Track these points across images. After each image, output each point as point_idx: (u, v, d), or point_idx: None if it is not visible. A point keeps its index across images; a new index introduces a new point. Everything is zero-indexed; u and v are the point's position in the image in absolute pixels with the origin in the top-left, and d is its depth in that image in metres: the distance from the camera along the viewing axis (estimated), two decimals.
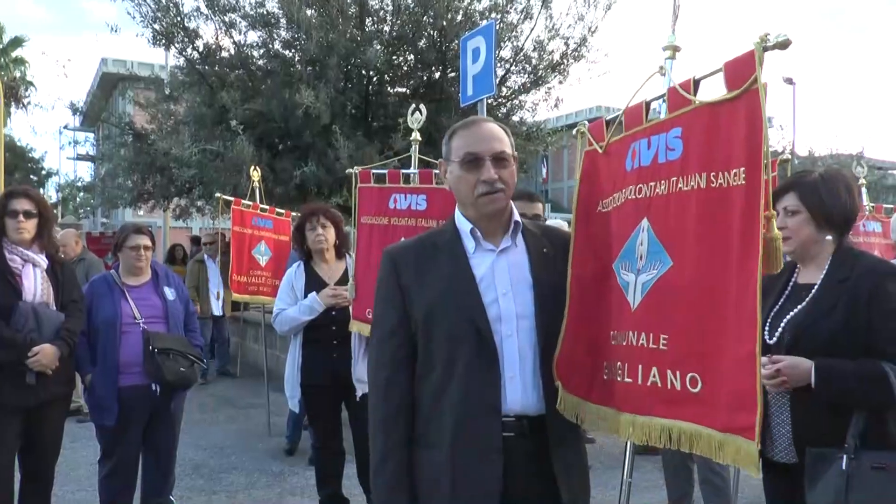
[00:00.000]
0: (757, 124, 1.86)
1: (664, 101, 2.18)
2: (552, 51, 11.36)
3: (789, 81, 31.86)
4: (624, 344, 2.22)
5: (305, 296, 4.94)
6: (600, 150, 2.42)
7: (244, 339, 12.66)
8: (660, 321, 2.12)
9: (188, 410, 5.37)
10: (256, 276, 7.49)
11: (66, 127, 23.78)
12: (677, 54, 2.23)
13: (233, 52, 11.53)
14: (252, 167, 7.82)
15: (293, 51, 11.26)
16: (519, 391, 2.24)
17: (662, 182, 2.14)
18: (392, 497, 2.28)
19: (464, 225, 2.38)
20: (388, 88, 11.71)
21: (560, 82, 11.58)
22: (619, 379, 2.24)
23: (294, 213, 8.02)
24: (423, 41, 11.09)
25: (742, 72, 1.89)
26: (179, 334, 4.84)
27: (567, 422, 2.30)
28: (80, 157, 35.43)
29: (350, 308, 4.77)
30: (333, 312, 4.89)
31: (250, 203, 7.51)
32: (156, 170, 12.26)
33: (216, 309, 10.91)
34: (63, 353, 4.28)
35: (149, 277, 4.88)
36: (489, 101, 10.27)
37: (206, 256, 10.91)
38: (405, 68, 11.59)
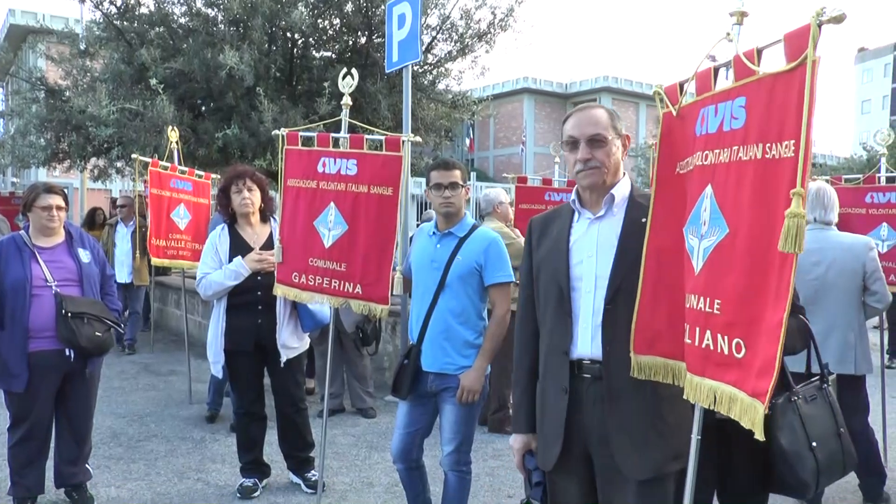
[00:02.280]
0: (807, 98, 1.88)
1: (730, 68, 2.20)
2: (479, 20, 11.28)
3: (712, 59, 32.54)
4: (688, 306, 2.31)
5: (230, 260, 4.82)
6: (674, 113, 2.44)
7: (165, 304, 12.36)
8: (715, 286, 2.19)
9: (107, 377, 5.21)
10: (175, 239, 7.29)
11: None
12: (745, 20, 2.22)
13: (153, 8, 11.08)
14: (170, 127, 7.55)
15: (216, 10, 10.88)
16: (590, 340, 2.58)
17: (725, 150, 2.18)
18: (515, 418, 2.88)
19: (573, 196, 2.74)
20: (314, 52, 11.46)
21: (486, 51, 11.51)
22: (686, 341, 2.32)
23: (214, 176, 7.82)
24: (349, 5, 10.87)
25: (799, 44, 1.92)
26: (95, 298, 4.66)
27: (630, 379, 2.48)
28: None
29: (275, 272, 4.68)
30: (259, 277, 4.79)
31: (168, 165, 7.27)
32: (71, 128, 11.74)
33: (121, 276, 10.01)
34: None
35: (62, 239, 4.68)
36: (415, 67, 10.20)
37: (118, 220, 10.44)
38: (331, 32, 11.35)
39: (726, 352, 2.15)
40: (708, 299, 2.21)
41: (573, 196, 2.75)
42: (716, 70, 2.29)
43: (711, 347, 2.20)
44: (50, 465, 4.73)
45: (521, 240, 6.45)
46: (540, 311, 2.77)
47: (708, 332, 2.21)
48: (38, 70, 13.09)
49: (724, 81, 2.26)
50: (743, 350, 2.10)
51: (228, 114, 10.42)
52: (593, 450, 2.60)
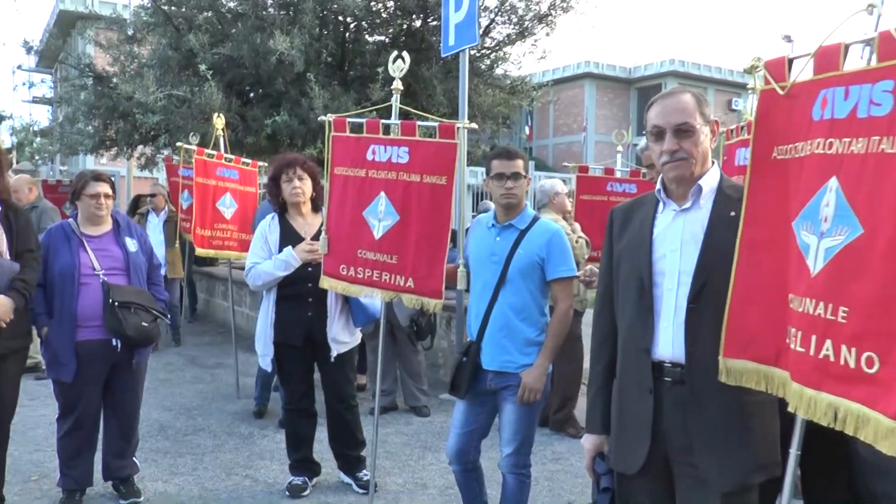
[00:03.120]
0: None
1: (869, 46, 2.03)
2: (539, 1, 11.24)
3: (787, 39, 31.72)
4: (800, 310, 2.15)
5: (280, 250, 4.88)
6: (780, 92, 2.29)
7: (212, 295, 12.59)
8: (841, 292, 2.02)
9: (153, 369, 5.34)
10: (221, 229, 7.39)
11: (19, 67, 23.21)
12: None
13: None
14: (216, 115, 7.67)
15: None
16: (671, 340, 2.54)
17: (861, 140, 2.01)
18: (588, 418, 2.86)
19: (658, 186, 2.71)
20: (366, 36, 11.55)
21: (547, 34, 11.47)
22: (791, 346, 2.19)
23: (262, 164, 7.92)
24: None
25: None
26: (142, 287, 4.77)
27: (714, 384, 2.42)
28: (35, 100, 34.75)
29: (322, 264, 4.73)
30: (310, 268, 4.84)
31: (214, 153, 7.38)
32: (118, 115, 12.04)
33: None
34: (18, 306, 4.20)
35: (109, 227, 4.80)
36: (472, 52, 10.19)
37: (149, 210, 10.60)
38: (384, 15, 11.42)
39: (852, 365, 1.99)
40: (830, 306, 2.04)
41: (658, 185, 2.70)
42: (846, 47, 2.11)
43: (832, 359, 2.05)
44: (98, 457, 4.87)
45: (577, 234, 6.42)
46: (619, 305, 2.74)
47: (828, 342, 2.06)
48: (87, 56, 13.42)
49: (858, 61, 2.07)
50: (876, 365, 1.94)
51: (278, 100, 10.55)
52: (673, 457, 2.56)
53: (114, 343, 4.60)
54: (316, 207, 5.09)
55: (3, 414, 4.39)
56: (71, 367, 4.52)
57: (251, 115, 10.60)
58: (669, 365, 2.54)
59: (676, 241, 2.58)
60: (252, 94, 11.21)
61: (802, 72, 2.25)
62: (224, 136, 7.62)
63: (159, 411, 6.90)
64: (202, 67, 9.97)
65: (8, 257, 4.26)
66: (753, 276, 2.33)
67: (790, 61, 2.28)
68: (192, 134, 8.08)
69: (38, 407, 6.90)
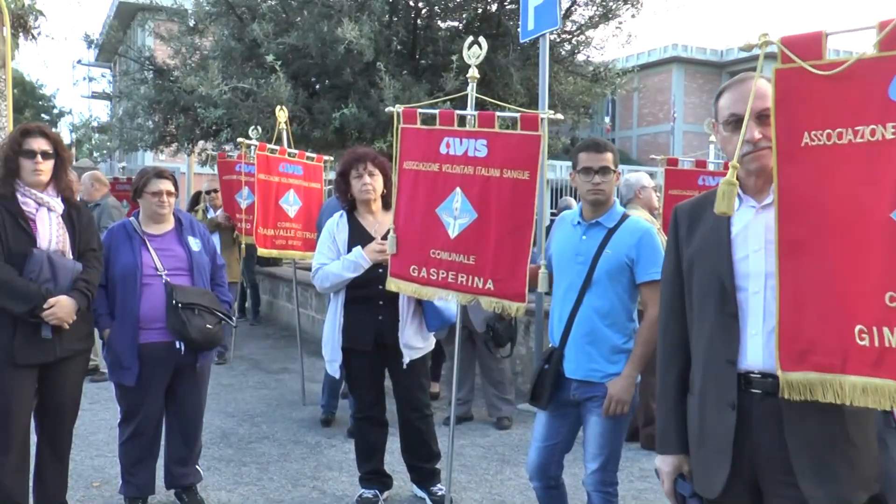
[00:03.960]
0: None
1: None
2: None
3: None
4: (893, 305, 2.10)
5: (349, 250, 4.90)
6: (813, 70, 2.22)
7: (276, 297, 12.78)
8: None
9: (215, 374, 5.44)
10: (285, 228, 7.47)
11: (79, 61, 23.90)
12: None
13: None
14: (279, 107, 7.75)
15: None
16: (761, 349, 2.44)
17: None
18: (662, 437, 2.75)
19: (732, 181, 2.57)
20: (439, 22, 11.57)
21: (633, 16, 11.34)
22: (888, 345, 2.12)
23: (327, 158, 7.97)
24: None
25: None
26: (205, 288, 4.86)
27: None
28: (95, 95, 35.75)
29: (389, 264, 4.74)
30: (381, 270, 4.84)
31: (276, 147, 7.46)
32: (179, 109, 12.30)
33: None
34: (81, 306, 4.31)
35: (171, 226, 4.90)
36: (552, 36, 10.12)
37: (206, 206, 10.75)
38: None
39: None
40: None
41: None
42: None
43: None
44: (160, 464, 4.97)
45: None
46: (693, 313, 2.65)
47: None
48: (147, 49, 13.75)
49: None
50: None
51: (346, 92, 10.64)
52: (763, 476, 2.48)
53: (177, 346, 4.69)
54: (387, 205, 5.09)
55: (66, 417, 4.52)
56: (133, 371, 4.62)
57: (318, 107, 10.70)
58: (759, 376, 2.44)
59: (760, 240, 2.48)
60: (318, 86, 11.32)
61: (839, 48, 2.15)
62: (287, 130, 7.70)
63: (222, 418, 7.02)
64: (269, 58, 10.10)
65: (70, 257, 4.38)
66: (803, 278, 2.25)
67: (826, 37, 2.21)
68: (252, 128, 8.19)
69: (98, 411, 7.10)
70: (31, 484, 4.49)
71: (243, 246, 8.78)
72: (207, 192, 10.47)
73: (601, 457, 3.81)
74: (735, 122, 2.50)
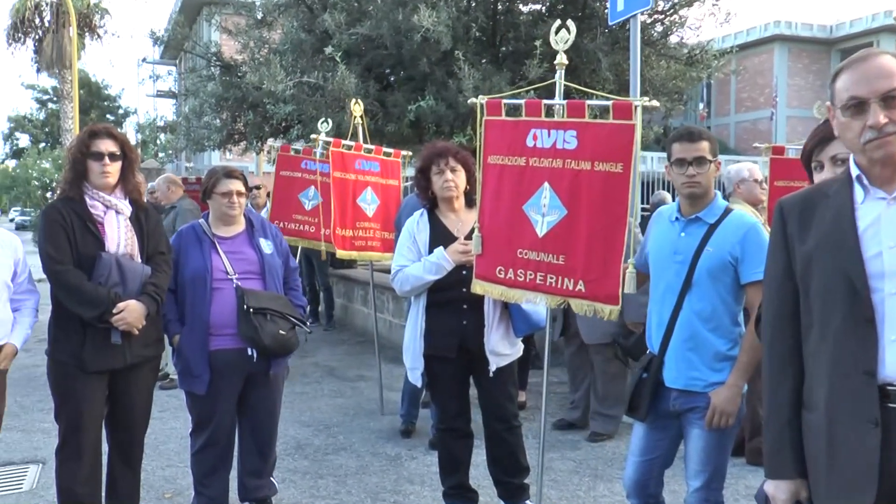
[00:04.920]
0: None
1: None
2: None
3: None
4: None
5: (430, 251, 4.89)
6: None
7: (351, 301, 12.89)
8: None
9: (289, 382, 5.50)
10: (364, 228, 7.48)
11: (144, 60, 24.65)
12: None
13: None
14: (353, 101, 7.79)
15: None
16: None
17: None
18: (774, 459, 2.60)
19: (853, 171, 2.52)
20: (520, 6, 11.52)
21: None
22: None
23: (405, 153, 7.98)
24: None
25: None
26: (278, 292, 4.91)
27: None
28: (160, 94, 36.71)
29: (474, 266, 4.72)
30: (464, 271, 4.81)
31: (352, 143, 7.50)
32: (248, 106, 12.50)
33: None
34: (150, 311, 4.41)
35: (242, 228, 4.97)
36: (643, 17, 9.98)
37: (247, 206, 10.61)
38: None
39: None
40: None
41: (853, 170, 2.51)
42: None
43: None
44: (233, 476, 5.05)
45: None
46: (812, 318, 2.53)
47: None
48: (214, 44, 14.00)
49: None
50: None
51: (422, 83, 10.66)
52: None
53: (249, 353, 4.76)
54: (470, 202, 5.06)
55: (136, 426, 4.64)
56: (204, 379, 4.70)
57: (392, 100, 10.75)
58: None
59: (894, 235, 2.38)
60: (393, 78, 11.38)
61: None
62: (363, 125, 7.73)
63: (296, 427, 7.11)
64: (328, 50, 10.17)
65: (139, 260, 4.48)
66: None
67: None
68: (321, 121, 8.24)
69: (168, 419, 7.26)
70: (103, 494, 4.62)
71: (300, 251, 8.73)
72: (253, 187, 10.22)
73: (704, 473, 3.73)
74: (856, 105, 2.39)
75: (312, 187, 8.08)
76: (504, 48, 11.25)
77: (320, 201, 7.80)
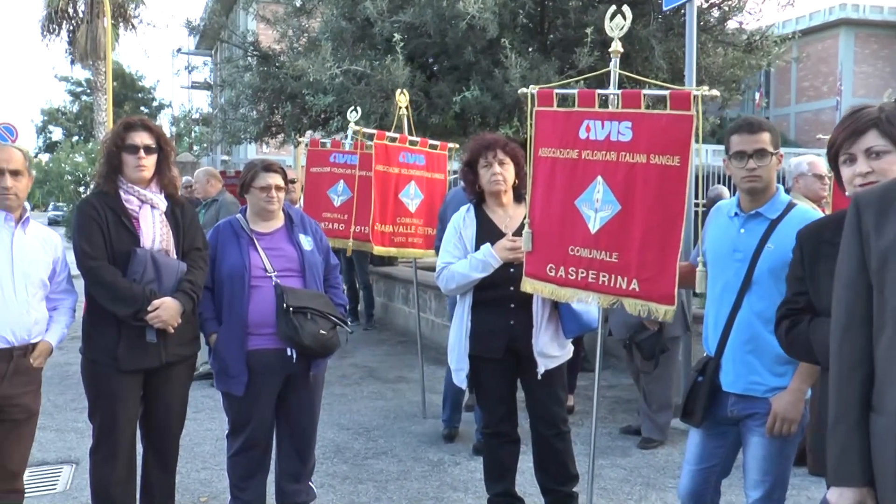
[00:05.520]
0: None
1: None
2: None
3: None
4: None
5: (476, 247, 4.88)
6: None
7: (391, 300, 12.92)
8: None
9: (327, 383, 5.52)
10: (405, 224, 7.48)
11: (179, 50, 24.87)
12: None
13: None
14: (399, 91, 7.78)
15: None
16: None
17: None
18: (839, 465, 2.53)
19: None
20: None
21: None
22: None
23: (451, 146, 7.96)
24: None
25: None
26: (318, 291, 4.92)
27: None
28: (195, 86, 37.05)
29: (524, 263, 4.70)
30: (512, 269, 4.80)
31: (396, 136, 7.48)
32: (286, 97, 12.54)
33: None
34: (186, 309, 4.45)
35: (281, 223, 4.98)
36: (699, 1, 9.89)
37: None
38: None
39: None
40: None
41: None
42: None
43: None
44: (271, 480, 5.06)
45: None
46: (888, 317, 2.48)
47: None
48: (251, 34, 14.08)
49: None
50: None
51: (467, 73, 10.63)
52: None
53: (288, 353, 4.77)
54: (518, 197, 5.06)
55: (172, 426, 4.69)
56: (242, 379, 4.71)
57: (436, 90, 10.74)
58: None
59: None
60: (437, 67, 11.36)
61: None
62: (409, 116, 7.72)
63: (335, 430, 7.14)
64: (396, 37, 10.13)
65: (175, 256, 4.51)
66: None
67: None
68: (350, 110, 8.18)
69: (203, 420, 7.33)
70: (137, 495, 4.68)
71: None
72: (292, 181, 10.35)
73: (765, 483, 3.68)
74: None
75: (342, 181, 8.05)
76: (553, 36, 11.19)
77: (350, 196, 7.81)
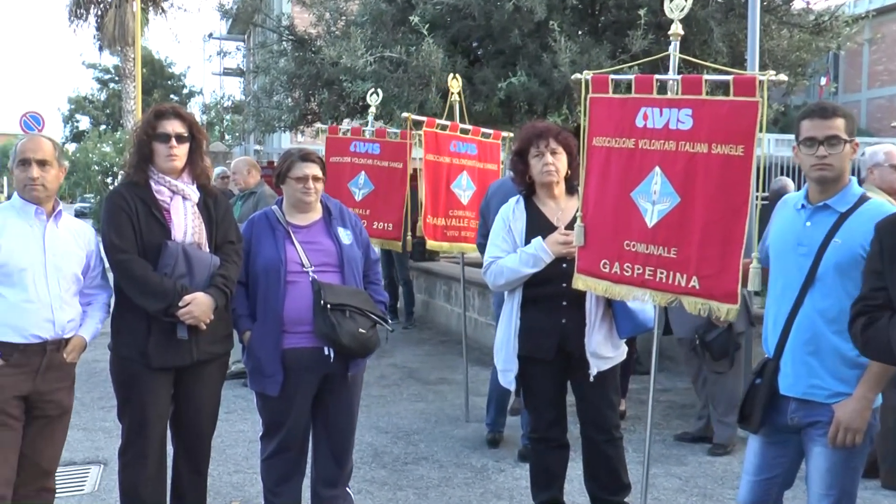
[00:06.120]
0: None
1: None
2: None
3: None
4: None
5: (526, 241, 4.86)
6: None
7: (432, 297, 12.91)
8: None
9: (365, 384, 5.51)
10: (457, 217, 7.46)
11: (210, 35, 25.06)
12: None
13: None
14: (451, 76, 7.76)
15: None
16: None
17: None
18: None
19: None
20: None
21: None
22: None
23: (505, 134, 7.92)
24: None
25: None
26: (358, 287, 4.91)
27: None
28: (227, 72, 37.30)
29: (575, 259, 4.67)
30: (564, 264, 4.79)
31: (447, 123, 7.46)
32: (322, 84, 12.58)
33: None
34: (219, 304, 4.46)
35: (319, 216, 4.97)
36: None
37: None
38: None
39: None
40: None
41: None
42: None
43: None
44: (306, 484, 5.07)
45: None
46: None
47: None
48: (286, 17, 14.11)
49: None
50: None
51: (513, 57, 10.61)
52: None
53: (326, 352, 4.76)
54: (571, 189, 5.03)
55: (203, 427, 4.72)
56: (277, 379, 4.71)
57: (480, 76, 10.72)
58: None
59: None
60: (481, 52, 11.34)
61: None
62: (461, 102, 7.68)
63: (373, 434, 7.15)
64: (413, 20, 10.15)
65: (207, 249, 4.53)
66: None
67: None
68: (370, 92, 8.11)
69: (235, 421, 7.37)
70: (167, 498, 4.71)
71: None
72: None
73: (830, 497, 3.62)
74: None
75: (363, 173, 7.90)
76: (604, 18, 11.13)
77: (372, 189, 7.78)
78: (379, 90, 8.21)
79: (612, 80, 4.60)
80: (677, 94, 4.34)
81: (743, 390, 3.89)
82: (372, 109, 7.82)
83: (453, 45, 10.97)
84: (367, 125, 8.08)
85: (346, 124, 14.16)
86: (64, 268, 4.32)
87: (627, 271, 4.45)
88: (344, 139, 8.17)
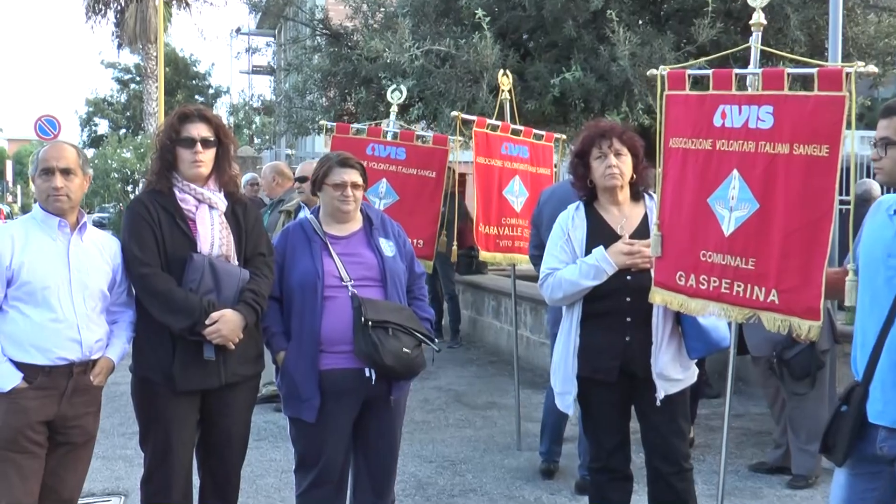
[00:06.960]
0: None
1: None
2: None
3: None
4: None
5: (587, 251, 4.81)
6: None
7: (480, 313, 12.87)
8: None
9: (407, 409, 5.49)
10: (510, 225, 7.43)
11: (238, 31, 25.18)
12: None
13: None
14: (501, 72, 7.74)
15: None
16: None
17: None
18: None
19: None
20: None
21: None
22: None
23: (558, 136, 7.88)
24: None
25: None
26: (401, 303, 4.88)
27: None
28: (256, 70, 37.50)
29: (652, 271, 4.63)
30: (628, 276, 4.74)
31: (498, 123, 7.42)
32: (360, 82, 12.58)
33: None
34: (248, 322, 4.47)
35: (359, 225, 4.95)
36: None
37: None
38: None
39: None
40: None
41: None
42: None
43: None
44: None
45: None
46: None
47: None
48: (320, 10, 14.16)
49: None
50: None
51: (567, 51, 10.57)
52: None
53: (367, 374, 4.72)
54: (636, 194, 4.99)
55: (232, 455, 4.72)
56: (314, 403, 4.68)
57: (532, 71, 10.68)
58: None
59: None
60: (532, 45, 11.29)
61: None
62: (512, 100, 7.66)
63: (417, 463, 7.14)
64: (478, 14, 10.10)
65: (235, 262, 4.53)
66: None
67: None
68: (392, 89, 8.03)
69: (266, 449, 7.39)
70: None
71: None
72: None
73: None
74: None
75: (384, 180, 7.74)
76: (666, 6, 11.02)
77: (395, 200, 7.68)
78: (402, 87, 8.16)
79: (688, 75, 4.57)
80: (758, 89, 4.30)
81: (827, 416, 3.80)
82: (394, 108, 7.78)
83: (502, 38, 10.93)
84: (388, 125, 7.93)
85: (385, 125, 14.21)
86: (90, 284, 4.34)
87: (703, 284, 4.43)
88: (357, 140, 7.98)
